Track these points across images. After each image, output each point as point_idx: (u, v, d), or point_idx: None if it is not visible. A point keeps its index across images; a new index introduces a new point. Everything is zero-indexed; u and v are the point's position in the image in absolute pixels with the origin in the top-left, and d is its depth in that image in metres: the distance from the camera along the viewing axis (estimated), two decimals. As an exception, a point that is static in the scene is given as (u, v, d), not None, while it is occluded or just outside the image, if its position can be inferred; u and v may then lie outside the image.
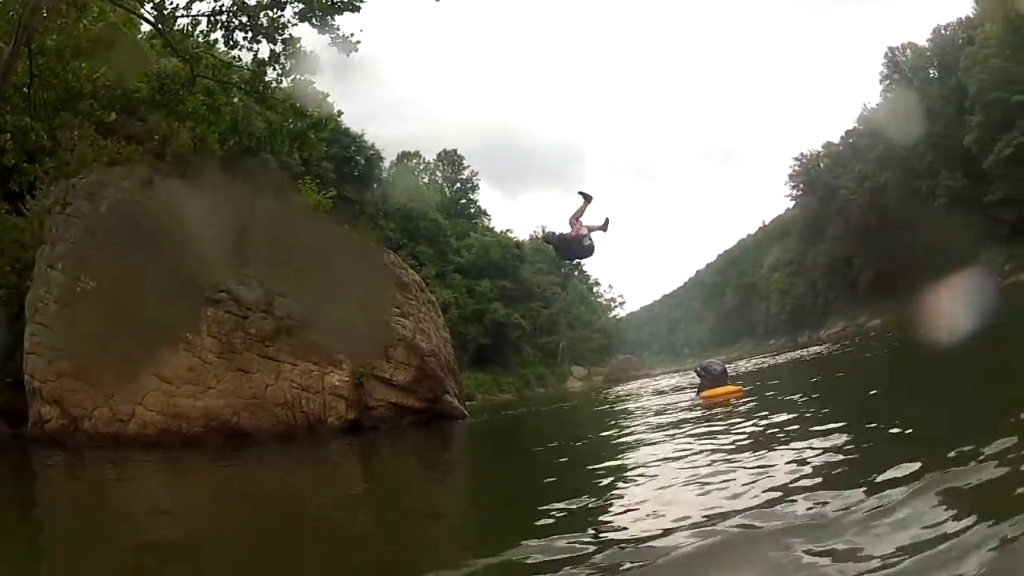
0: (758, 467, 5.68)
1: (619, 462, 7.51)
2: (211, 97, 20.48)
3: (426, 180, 72.86)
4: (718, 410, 11.59)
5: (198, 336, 16.27)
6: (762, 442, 7.06)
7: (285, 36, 20.68)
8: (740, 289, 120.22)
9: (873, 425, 6.76)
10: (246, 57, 21.05)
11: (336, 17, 20.45)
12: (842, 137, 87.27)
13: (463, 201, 76.23)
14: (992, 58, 49.54)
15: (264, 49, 20.81)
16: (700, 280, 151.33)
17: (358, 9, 20.26)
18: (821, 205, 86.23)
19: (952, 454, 4.41)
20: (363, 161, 57.38)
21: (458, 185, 77.36)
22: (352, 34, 20.20)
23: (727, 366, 16.10)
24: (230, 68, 20.87)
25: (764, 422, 8.68)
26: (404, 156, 70.41)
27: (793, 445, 6.34)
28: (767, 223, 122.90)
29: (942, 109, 59.21)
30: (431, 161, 74.62)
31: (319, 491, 9.18)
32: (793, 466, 5.40)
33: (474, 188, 79.32)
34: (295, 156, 32.59)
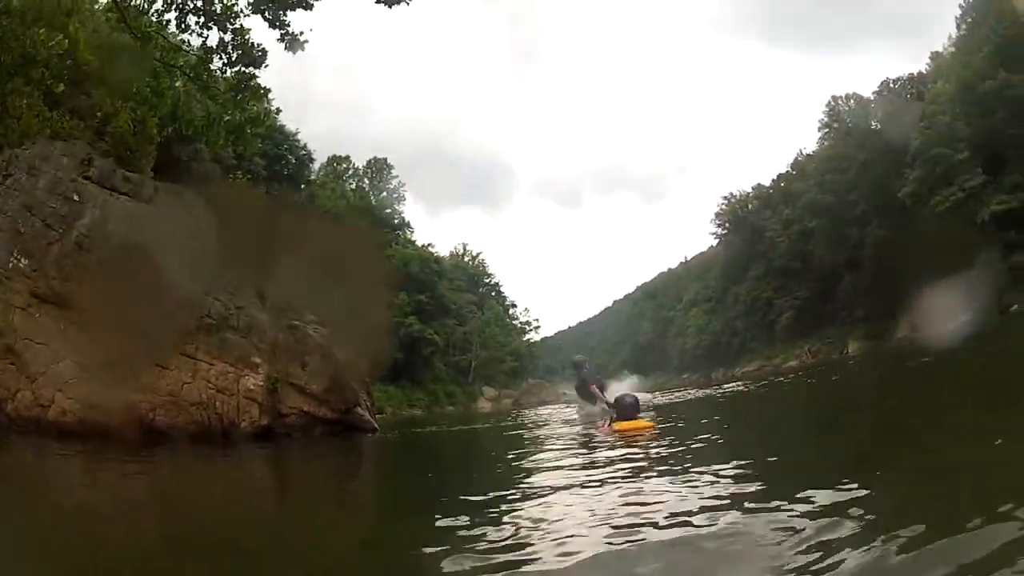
0: (661, 495, 5.51)
1: (527, 486, 7.04)
2: (156, 79, 20.02)
3: (353, 186, 72.09)
4: (627, 442, 11.62)
5: (121, 323, 15.74)
6: (665, 474, 7.12)
7: (236, 26, 20.44)
8: (657, 322, 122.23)
9: (774, 458, 7.01)
10: (194, 44, 20.79)
11: (288, 13, 20.38)
12: (773, 180, 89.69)
13: (388, 211, 75.60)
14: (940, 115, 51.00)
15: (213, 37, 20.57)
16: (617, 310, 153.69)
17: (311, 7, 20.17)
18: (745, 245, 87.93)
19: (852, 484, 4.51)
20: (294, 160, 56.50)
21: (384, 194, 76.66)
22: (302, 32, 20.12)
23: (639, 397, 16.06)
24: (178, 51, 20.46)
25: (671, 455, 8.90)
26: (334, 160, 69.59)
27: (697, 478, 6.25)
28: (689, 259, 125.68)
29: (879, 160, 60.88)
30: (360, 167, 74.06)
31: (224, 498, 8.97)
32: (695, 497, 5.17)
33: (400, 199, 78.76)
34: (228, 149, 32.00)
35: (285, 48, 20.40)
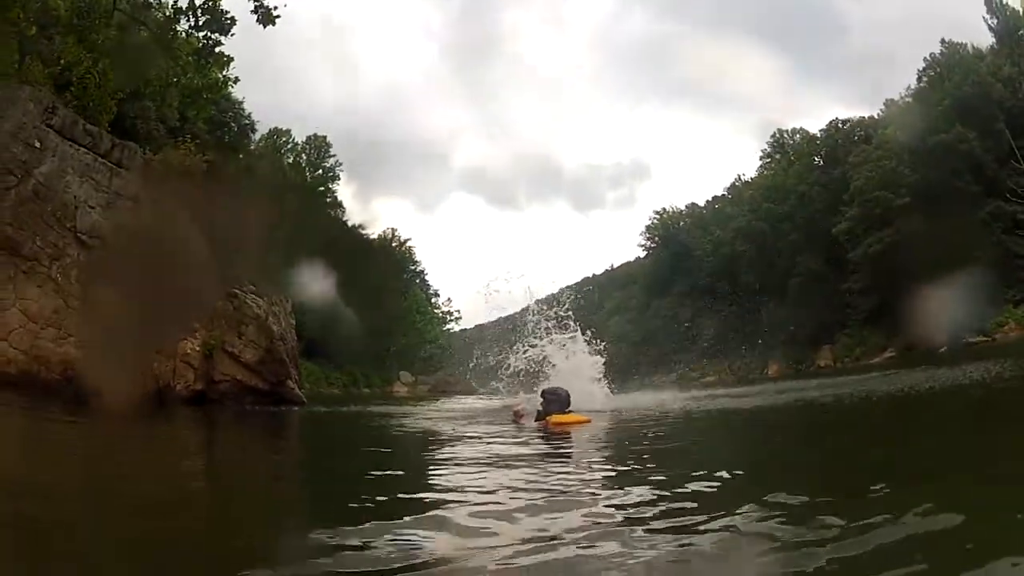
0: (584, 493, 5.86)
1: (448, 479, 7.16)
2: (123, 33, 19.88)
3: (291, 160, 71.02)
4: (562, 435, 11.26)
5: (67, 280, 15.69)
6: (600, 472, 7.24)
7: (209, -13, 20.50)
8: (578, 325, 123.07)
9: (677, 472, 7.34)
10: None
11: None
12: (708, 201, 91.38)
13: (321, 189, 74.56)
14: (886, 159, 52.66)
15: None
16: (537, 309, 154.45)
17: (285, -21, 20.39)
18: (672, 261, 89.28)
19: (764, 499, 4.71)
20: (236, 128, 55.60)
21: (320, 172, 75.59)
22: (275, 7, 20.30)
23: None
24: (149, 8, 20.38)
25: (607, 453, 9.21)
26: (274, 132, 68.48)
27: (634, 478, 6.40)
28: (615, 267, 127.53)
29: (817, 195, 62.82)
30: (299, 143, 72.99)
31: (148, 459, 8.92)
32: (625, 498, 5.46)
33: (335, 178, 77.83)
34: (174, 111, 31.59)
35: (257, 21, 20.50)
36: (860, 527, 3.87)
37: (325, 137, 74.96)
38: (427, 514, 4.94)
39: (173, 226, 18.40)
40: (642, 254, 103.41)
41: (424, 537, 4.29)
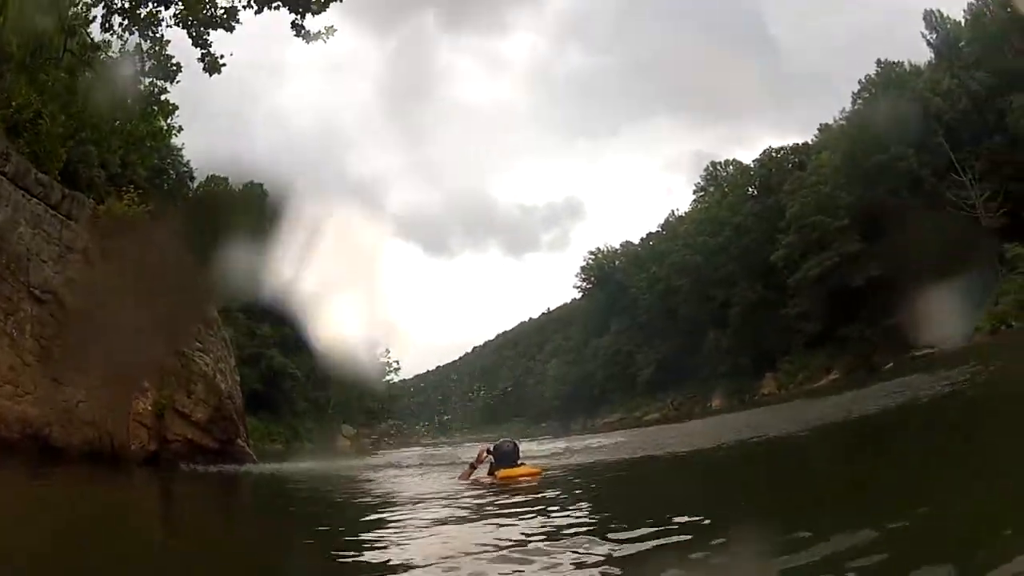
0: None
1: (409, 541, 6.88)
2: (71, 76, 19.31)
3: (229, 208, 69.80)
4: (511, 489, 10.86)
5: (22, 335, 14.79)
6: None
7: (158, 35, 20.14)
8: (517, 370, 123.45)
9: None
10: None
11: (211, 33, 20.23)
12: (642, 239, 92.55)
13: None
14: (821, 184, 53.62)
15: (131, 42, 20.21)
16: (476, 356, 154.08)
17: (232, 29, 20.11)
18: (609, 300, 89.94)
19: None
20: (175, 176, 54.45)
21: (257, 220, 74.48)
22: (222, 56, 20.02)
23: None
24: (98, 50, 19.87)
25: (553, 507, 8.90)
26: (212, 179, 67.39)
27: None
28: (551, 310, 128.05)
29: (752, 225, 63.71)
30: (237, 189, 71.75)
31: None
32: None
33: (274, 219, 76.62)
34: (117, 157, 30.75)
35: (204, 69, 20.19)
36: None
37: (262, 185, 74.04)
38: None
39: (122, 281, 17.73)
40: (578, 295, 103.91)
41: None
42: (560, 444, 26.25)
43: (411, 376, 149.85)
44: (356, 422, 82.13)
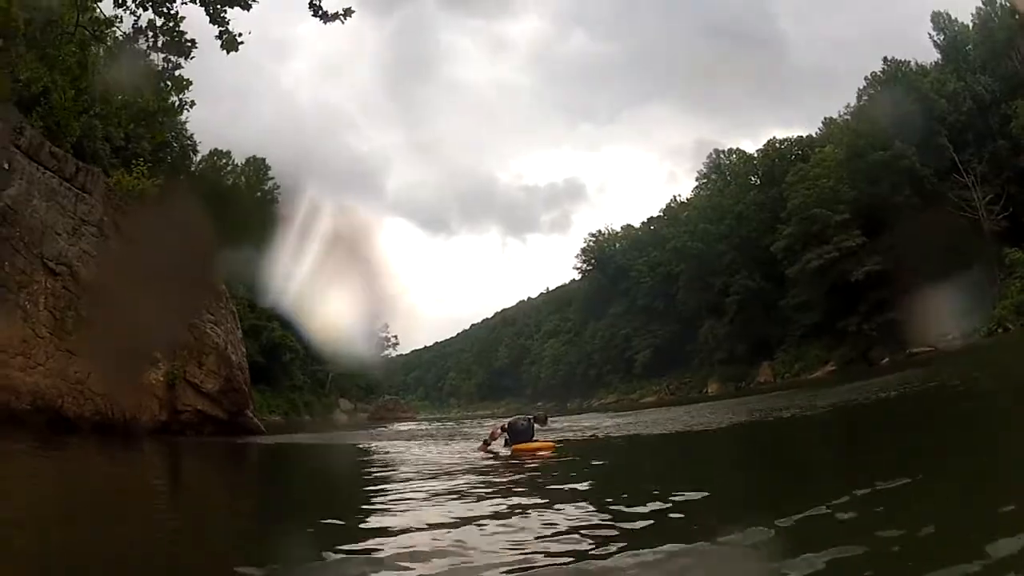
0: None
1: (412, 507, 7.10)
2: (83, 51, 19.30)
3: (231, 183, 69.68)
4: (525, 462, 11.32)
5: (35, 307, 15.00)
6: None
7: (173, 10, 20.11)
8: (514, 348, 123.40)
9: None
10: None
11: (228, 10, 20.19)
12: (643, 223, 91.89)
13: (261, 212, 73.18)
14: (824, 177, 53.09)
15: (145, 18, 20.16)
16: (474, 333, 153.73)
17: (249, 7, 20.09)
18: (609, 282, 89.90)
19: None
20: (178, 149, 54.33)
21: (259, 194, 74.34)
22: (240, 33, 20.01)
23: (548, 419, 15.18)
24: (111, 25, 19.86)
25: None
26: (215, 153, 67.18)
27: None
28: (551, 289, 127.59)
29: (754, 214, 63.55)
30: (239, 164, 71.66)
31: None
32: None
33: (274, 200, 76.65)
34: (120, 131, 30.75)
35: (221, 47, 20.19)
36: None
37: (264, 159, 73.89)
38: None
39: (135, 254, 17.95)
40: (578, 276, 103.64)
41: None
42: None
43: (408, 352, 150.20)
44: (353, 396, 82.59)
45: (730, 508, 5.65)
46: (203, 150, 63.92)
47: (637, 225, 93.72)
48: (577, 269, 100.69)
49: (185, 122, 54.78)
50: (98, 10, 19.34)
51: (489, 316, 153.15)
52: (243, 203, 66.48)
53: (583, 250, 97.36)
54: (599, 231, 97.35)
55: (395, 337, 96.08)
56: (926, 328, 37.50)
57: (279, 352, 66.62)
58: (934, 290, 35.65)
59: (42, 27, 18.71)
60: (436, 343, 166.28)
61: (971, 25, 52.08)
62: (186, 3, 20.05)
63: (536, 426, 13.64)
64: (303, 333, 71.14)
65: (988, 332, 38.15)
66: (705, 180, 76.88)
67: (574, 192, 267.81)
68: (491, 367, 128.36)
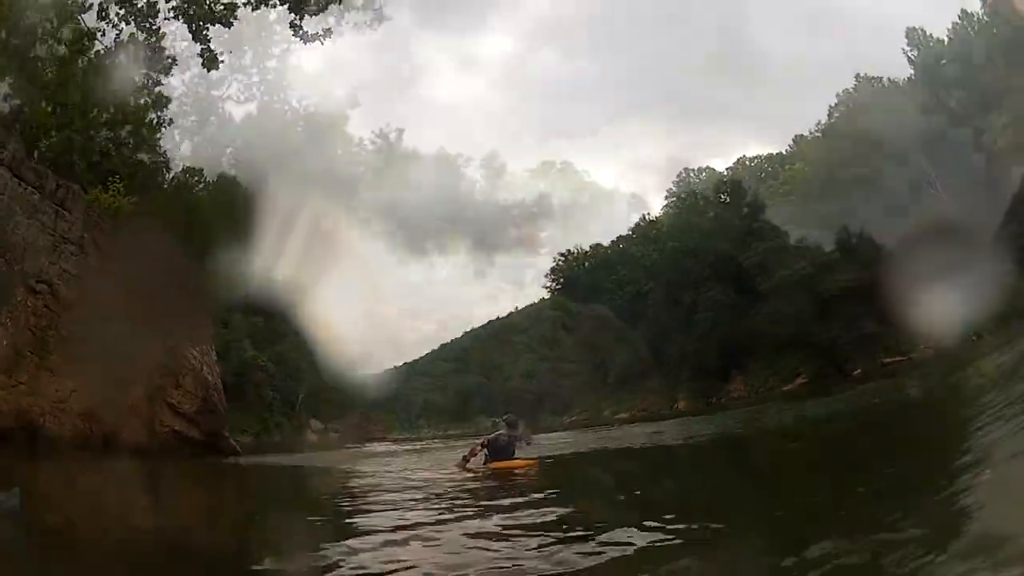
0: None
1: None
2: (65, 67, 19.25)
3: (202, 196, 69.00)
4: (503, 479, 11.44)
5: (17, 325, 14.78)
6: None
7: (154, 27, 20.14)
8: (485, 367, 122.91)
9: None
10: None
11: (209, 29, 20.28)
12: (612, 242, 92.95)
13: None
14: (791, 195, 54.71)
15: (127, 32, 20.21)
16: (445, 352, 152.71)
17: (230, 25, 20.21)
18: (578, 301, 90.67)
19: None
20: (150, 166, 53.67)
21: (230, 209, 73.62)
22: (220, 53, 20.12)
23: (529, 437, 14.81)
24: (93, 39, 19.85)
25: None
26: (188, 171, 66.56)
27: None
28: (520, 308, 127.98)
29: (723, 231, 63.50)
30: (211, 180, 70.96)
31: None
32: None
33: (246, 214, 75.83)
34: (96, 145, 30.45)
35: (203, 65, 20.36)
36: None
37: (235, 176, 73.37)
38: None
39: (115, 273, 17.81)
40: (547, 295, 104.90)
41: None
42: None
43: (380, 371, 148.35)
44: (324, 416, 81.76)
45: (713, 512, 5.80)
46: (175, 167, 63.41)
47: (606, 244, 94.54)
48: (546, 288, 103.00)
49: (158, 138, 54.26)
50: (82, 21, 19.34)
51: (459, 336, 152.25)
52: (214, 219, 66.04)
53: (552, 269, 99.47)
54: (568, 250, 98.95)
55: (366, 355, 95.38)
56: (900, 338, 38.06)
57: (250, 372, 65.89)
58: (909, 301, 36.17)
59: (23, 39, 18.63)
60: (406, 363, 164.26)
61: (946, 40, 53.08)
62: (168, 19, 20.18)
63: (518, 443, 13.65)
64: (274, 351, 70.67)
65: (964, 340, 38.77)
66: (674, 199, 77.89)
67: (543, 210, 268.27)
68: (462, 386, 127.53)
